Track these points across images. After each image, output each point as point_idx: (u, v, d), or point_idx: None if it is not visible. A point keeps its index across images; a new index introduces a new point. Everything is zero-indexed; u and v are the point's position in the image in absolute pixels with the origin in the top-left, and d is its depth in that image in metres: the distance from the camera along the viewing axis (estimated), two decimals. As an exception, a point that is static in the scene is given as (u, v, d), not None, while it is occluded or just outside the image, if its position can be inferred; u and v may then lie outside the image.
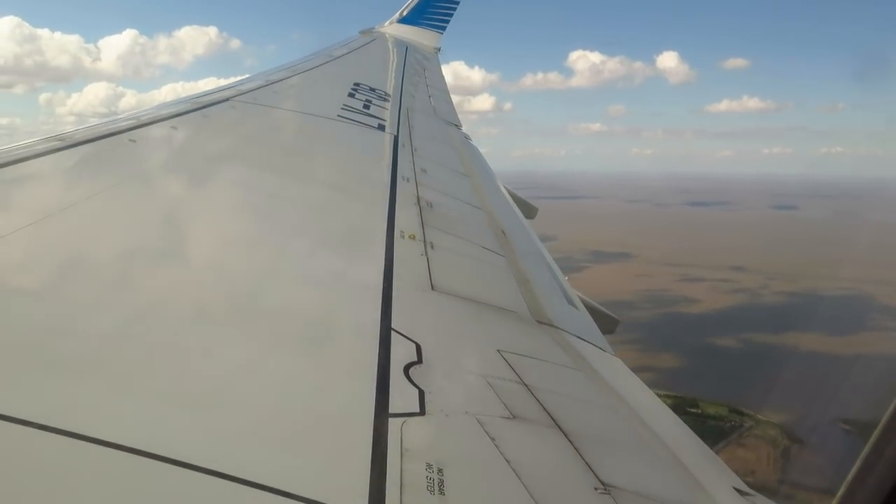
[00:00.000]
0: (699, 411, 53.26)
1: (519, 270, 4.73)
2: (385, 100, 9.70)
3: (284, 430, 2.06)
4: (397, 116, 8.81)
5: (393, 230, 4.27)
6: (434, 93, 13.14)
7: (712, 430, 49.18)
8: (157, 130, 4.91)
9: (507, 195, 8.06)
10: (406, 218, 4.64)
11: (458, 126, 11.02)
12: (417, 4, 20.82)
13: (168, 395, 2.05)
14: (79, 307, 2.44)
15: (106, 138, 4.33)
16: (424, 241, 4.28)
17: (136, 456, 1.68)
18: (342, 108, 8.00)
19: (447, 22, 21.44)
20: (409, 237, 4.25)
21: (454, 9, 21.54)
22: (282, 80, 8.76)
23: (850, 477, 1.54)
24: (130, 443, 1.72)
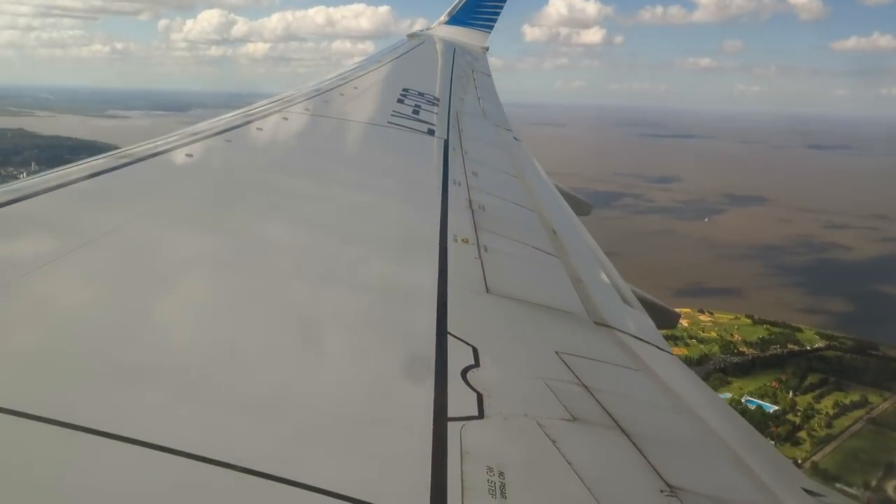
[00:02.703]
0: (881, 353, 51.64)
1: (573, 270, 4.69)
2: (434, 104, 9.73)
3: (345, 434, 2.09)
4: (447, 120, 8.83)
5: (446, 234, 4.29)
6: (483, 94, 13.13)
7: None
8: (212, 144, 5.04)
9: (558, 194, 8.00)
10: (459, 222, 4.65)
11: (507, 129, 10.99)
12: (464, 5, 20.85)
13: (228, 401, 2.10)
14: (143, 316, 2.53)
15: (162, 155, 4.46)
16: (478, 245, 4.28)
17: (197, 462, 1.73)
18: (392, 115, 8.06)
19: (495, 20, 21.42)
20: (463, 241, 4.26)
21: (501, 7, 21.52)
22: (332, 88, 8.88)
23: None
24: (192, 449, 1.77)
